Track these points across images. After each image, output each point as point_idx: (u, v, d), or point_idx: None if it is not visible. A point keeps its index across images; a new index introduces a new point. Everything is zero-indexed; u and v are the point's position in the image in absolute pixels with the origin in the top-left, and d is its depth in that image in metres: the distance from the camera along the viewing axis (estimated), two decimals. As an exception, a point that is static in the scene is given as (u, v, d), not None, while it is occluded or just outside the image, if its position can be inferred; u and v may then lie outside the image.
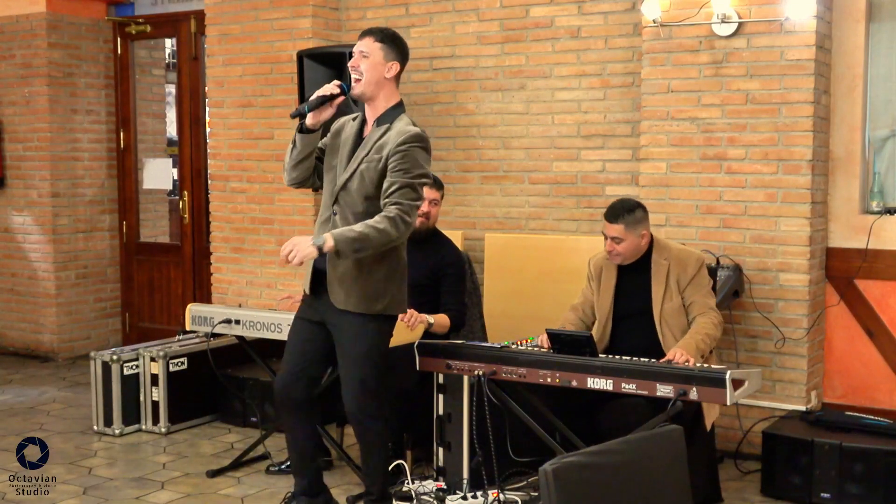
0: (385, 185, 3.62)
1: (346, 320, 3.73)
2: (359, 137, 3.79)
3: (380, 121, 3.73)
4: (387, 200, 3.60)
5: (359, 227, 3.54)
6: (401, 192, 3.60)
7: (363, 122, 3.82)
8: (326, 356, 3.89)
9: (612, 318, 4.24)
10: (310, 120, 3.68)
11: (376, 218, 3.57)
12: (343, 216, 3.71)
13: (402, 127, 3.68)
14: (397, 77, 3.75)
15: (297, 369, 3.86)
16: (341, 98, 3.70)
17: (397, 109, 3.75)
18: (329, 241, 3.50)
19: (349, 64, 3.72)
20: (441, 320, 4.49)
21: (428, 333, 4.39)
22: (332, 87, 3.68)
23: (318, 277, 3.78)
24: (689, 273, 4.13)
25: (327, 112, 3.70)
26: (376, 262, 3.70)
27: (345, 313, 3.72)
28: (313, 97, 3.68)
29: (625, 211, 4.14)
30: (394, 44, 3.73)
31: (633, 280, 4.22)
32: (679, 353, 3.79)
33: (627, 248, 4.16)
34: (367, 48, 3.69)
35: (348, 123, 3.85)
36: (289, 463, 4.68)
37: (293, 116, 3.71)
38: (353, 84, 3.70)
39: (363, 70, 3.68)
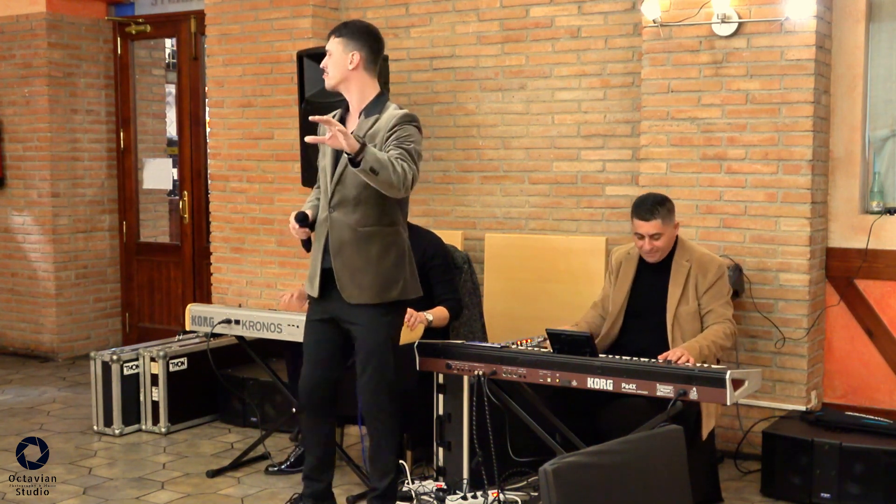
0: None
1: (361, 314, 3.78)
2: None
3: (367, 112, 3.80)
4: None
5: (386, 157, 3.52)
6: (403, 157, 3.60)
7: (344, 115, 3.88)
8: (343, 352, 3.95)
9: (623, 314, 4.22)
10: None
11: (398, 159, 3.55)
12: (342, 210, 3.76)
13: (392, 112, 3.77)
14: (367, 67, 3.80)
15: (320, 371, 3.91)
16: (307, 228, 3.87)
17: (381, 98, 3.84)
18: (360, 146, 3.43)
19: (321, 65, 3.86)
20: (439, 314, 4.49)
21: (430, 328, 4.39)
22: (292, 230, 3.88)
23: (325, 277, 3.81)
24: (709, 279, 4.10)
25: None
26: (385, 250, 3.77)
27: (359, 307, 3.76)
28: (303, 240, 3.91)
29: (657, 204, 4.09)
30: (353, 34, 3.80)
31: (651, 278, 4.19)
32: (679, 353, 3.78)
33: (666, 241, 4.12)
34: (329, 46, 3.83)
35: None
36: (288, 463, 4.69)
37: (307, 249, 3.96)
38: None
39: (328, 68, 3.82)
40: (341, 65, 3.78)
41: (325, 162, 3.85)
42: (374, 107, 3.79)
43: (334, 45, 3.80)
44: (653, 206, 4.09)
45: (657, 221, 4.08)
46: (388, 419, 3.86)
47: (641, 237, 4.13)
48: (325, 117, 3.50)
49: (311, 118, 3.55)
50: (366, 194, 3.71)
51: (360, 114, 3.81)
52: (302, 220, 3.82)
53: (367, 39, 3.81)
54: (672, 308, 4.10)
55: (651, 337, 4.12)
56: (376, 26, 3.94)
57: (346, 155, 3.48)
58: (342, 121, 3.86)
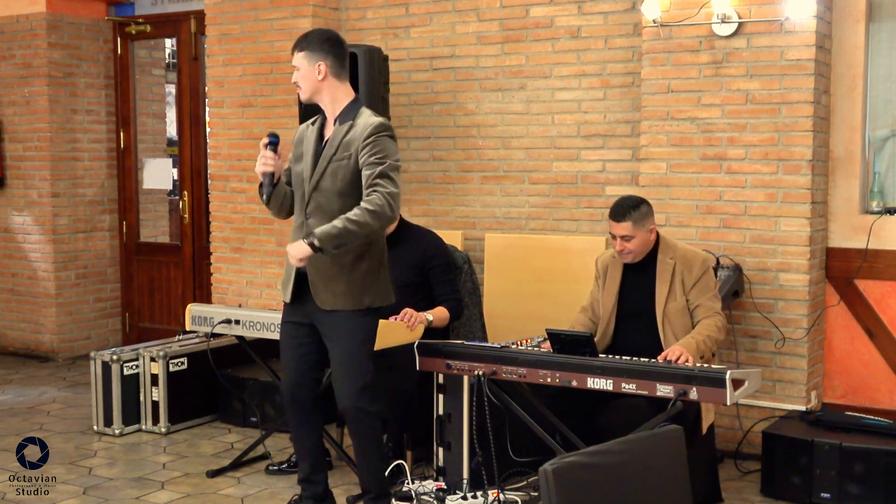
0: (363, 177, 3.67)
1: (335, 319, 3.78)
2: (320, 138, 3.84)
3: (341, 119, 3.79)
4: (367, 192, 3.65)
5: (339, 223, 3.59)
6: (377, 182, 3.64)
7: (323, 122, 3.88)
8: (322, 356, 3.94)
9: (615, 317, 4.23)
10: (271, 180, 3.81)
11: (355, 211, 3.61)
12: (318, 217, 3.75)
13: (366, 120, 3.75)
14: (335, 73, 3.79)
15: (300, 372, 3.92)
16: (276, 154, 3.76)
17: (356, 104, 3.82)
18: (311, 239, 3.59)
19: (292, 81, 3.86)
20: (440, 314, 4.49)
21: (430, 328, 4.39)
22: (264, 163, 3.74)
23: (300, 281, 3.83)
24: (694, 274, 4.11)
25: (278, 163, 3.78)
26: (358, 258, 3.77)
27: (333, 312, 3.77)
28: (264, 177, 3.77)
29: (630, 207, 4.11)
30: (315, 46, 3.79)
31: (637, 279, 4.20)
32: (678, 352, 3.78)
33: (637, 244, 4.13)
34: (295, 62, 3.84)
35: (308, 129, 3.91)
36: (289, 463, 4.69)
37: (267, 200, 3.82)
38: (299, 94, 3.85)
39: (299, 83, 3.83)
40: (310, 78, 3.79)
41: (300, 167, 3.85)
42: (348, 113, 3.79)
43: (300, 60, 3.80)
44: (626, 208, 4.11)
45: (628, 224, 4.09)
46: (370, 422, 3.85)
47: (613, 237, 4.16)
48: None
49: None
50: (340, 204, 3.72)
51: (335, 121, 3.81)
52: (274, 142, 3.73)
53: (331, 47, 3.79)
54: (661, 306, 4.11)
55: (643, 337, 4.12)
56: (334, 31, 3.96)
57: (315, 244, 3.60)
58: (321, 128, 3.86)
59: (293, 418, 4.00)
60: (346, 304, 3.76)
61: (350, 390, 3.79)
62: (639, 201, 4.17)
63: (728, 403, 3.56)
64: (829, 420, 4.40)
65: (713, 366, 3.81)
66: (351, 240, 3.62)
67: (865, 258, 4.88)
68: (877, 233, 4.87)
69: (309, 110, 5.30)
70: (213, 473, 4.68)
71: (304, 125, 3.97)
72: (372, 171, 3.64)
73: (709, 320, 4.05)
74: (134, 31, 7.52)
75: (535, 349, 4.06)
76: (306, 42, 3.81)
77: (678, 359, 3.74)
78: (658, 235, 4.21)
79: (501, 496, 3.94)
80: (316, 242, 3.58)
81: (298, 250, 3.62)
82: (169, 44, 8.23)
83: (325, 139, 3.82)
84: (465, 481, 4.13)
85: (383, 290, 3.86)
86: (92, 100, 7.49)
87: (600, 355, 3.89)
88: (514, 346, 4.08)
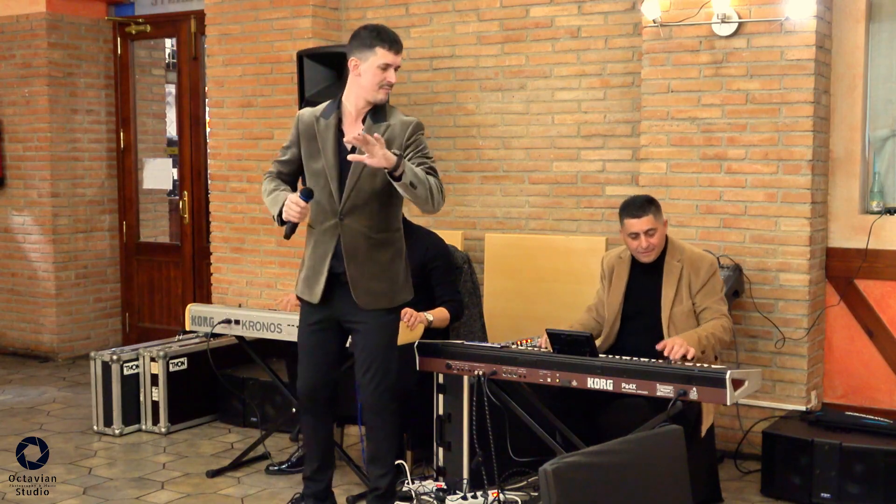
0: None
1: (367, 315, 3.80)
2: (340, 134, 3.76)
3: (374, 117, 3.73)
4: None
5: (423, 173, 3.58)
6: (429, 171, 3.67)
7: (339, 115, 3.77)
8: (341, 355, 3.98)
9: (620, 318, 4.23)
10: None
11: (429, 175, 3.63)
12: (354, 217, 3.73)
13: (402, 119, 3.77)
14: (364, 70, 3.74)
15: (322, 373, 3.93)
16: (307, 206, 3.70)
17: (385, 104, 3.78)
18: (401, 160, 3.50)
19: (392, 80, 3.71)
20: (440, 315, 4.50)
21: (430, 328, 4.40)
22: (296, 211, 3.63)
23: (330, 282, 3.81)
24: (701, 277, 4.10)
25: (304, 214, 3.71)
26: (394, 256, 3.83)
27: (365, 310, 3.79)
28: (290, 220, 3.64)
29: (646, 202, 4.11)
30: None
31: (644, 280, 4.19)
32: (680, 343, 3.76)
33: (660, 237, 4.11)
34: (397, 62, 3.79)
35: (318, 121, 3.79)
36: (289, 463, 4.69)
37: (288, 237, 3.70)
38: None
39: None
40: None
41: (319, 164, 3.76)
42: (381, 112, 3.74)
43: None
44: (643, 203, 4.11)
45: (650, 217, 4.08)
46: (390, 418, 3.88)
47: (636, 236, 4.11)
48: (363, 137, 3.41)
49: (353, 139, 3.46)
50: (377, 203, 3.73)
51: (366, 117, 3.74)
52: (310, 195, 3.65)
53: (350, 44, 3.86)
54: (667, 309, 4.10)
55: (647, 339, 4.10)
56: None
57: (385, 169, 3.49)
58: (339, 123, 3.78)
59: (308, 417, 4.00)
60: (382, 302, 3.81)
61: (375, 386, 3.82)
62: (650, 197, 4.20)
63: (728, 403, 3.56)
64: (829, 420, 4.40)
65: (713, 366, 3.80)
66: (421, 190, 3.55)
67: (865, 258, 4.88)
68: (877, 233, 4.87)
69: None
70: (213, 473, 4.68)
71: (308, 114, 3.84)
72: (424, 161, 3.69)
73: (715, 321, 4.04)
74: (134, 31, 7.52)
75: (535, 349, 4.05)
76: None
77: (677, 349, 3.73)
78: (666, 237, 4.20)
79: (501, 496, 3.94)
80: (403, 165, 3.47)
81: (386, 155, 3.41)
82: (169, 44, 8.22)
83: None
84: (465, 481, 4.13)
85: (409, 286, 3.95)
86: (92, 100, 7.49)
87: (601, 355, 3.89)
88: (514, 346, 4.08)
